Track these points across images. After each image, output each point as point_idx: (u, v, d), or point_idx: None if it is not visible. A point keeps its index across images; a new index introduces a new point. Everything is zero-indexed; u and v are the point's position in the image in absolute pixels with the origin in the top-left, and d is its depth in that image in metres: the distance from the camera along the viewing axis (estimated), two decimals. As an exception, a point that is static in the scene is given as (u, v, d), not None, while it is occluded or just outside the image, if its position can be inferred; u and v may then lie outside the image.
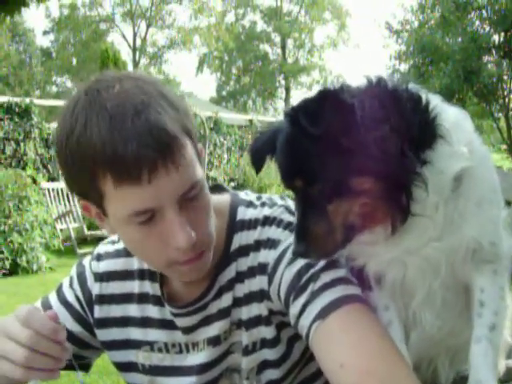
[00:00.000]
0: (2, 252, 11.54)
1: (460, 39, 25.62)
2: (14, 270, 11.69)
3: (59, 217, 13.99)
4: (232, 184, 20.58)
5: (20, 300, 8.94)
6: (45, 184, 14.56)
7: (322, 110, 1.47)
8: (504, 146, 31.02)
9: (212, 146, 21.23)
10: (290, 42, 58.43)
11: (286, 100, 58.44)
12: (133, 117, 1.48)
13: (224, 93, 62.13)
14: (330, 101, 1.49)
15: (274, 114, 57.95)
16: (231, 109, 53.62)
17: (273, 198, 1.89)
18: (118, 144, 1.48)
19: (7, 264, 11.56)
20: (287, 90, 58.69)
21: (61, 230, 14.09)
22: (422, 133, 1.52)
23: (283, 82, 58.68)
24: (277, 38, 58.08)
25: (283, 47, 57.74)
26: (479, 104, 27.94)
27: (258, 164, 1.71)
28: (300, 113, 1.53)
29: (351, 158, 1.46)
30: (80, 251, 12.80)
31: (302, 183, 1.56)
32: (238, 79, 60.39)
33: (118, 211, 1.58)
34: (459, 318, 1.73)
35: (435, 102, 1.60)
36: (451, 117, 1.60)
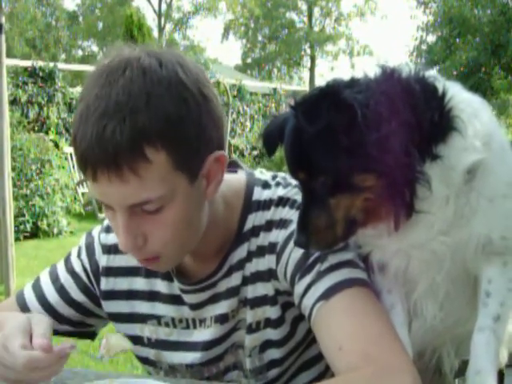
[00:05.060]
0: (23, 215, 11.70)
1: (489, 11, 25.31)
2: (34, 233, 11.87)
3: (81, 181, 14.11)
4: (254, 152, 20.59)
5: (40, 263, 9.07)
6: (67, 148, 14.66)
7: (319, 108, 1.47)
8: (530, 122, 30.73)
9: (235, 113, 21.19)
10: (316, 11, 57.82)
11: (312, 69, 58.00)
12: (96, 118, 1.48)
13: (249, 60, 61.79)
14: (329, 99, 1.48)
15: (298, 83, 57.67)
16: (256, 76, 53.39)
17: (287, 178, 1.88)
18: (77, 137, 1.52)
19: (28, 227, 11.73)
20: (313, 58, 58.13)
21: (82, 194, 14.23)
22: (434, 127, 1.50)
23: (309, 51, 58.13)
24: (303, 6, 57.52)
25: (310, 15, 57.13)
26: (506, 78, 27.63)
27: (269, 148, 1.72)
28: (298, 109, 1.54)
29: (351, 156, 1.46)
30: (101, 215, 12.90)
31: (305, 175, 1.57)
32: (263, 47, 59.99)
33: None
34: (466, 308, 1.73)
35: (453, 91, 1.57)
36: (468, 107, 1.57)
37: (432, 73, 1.60)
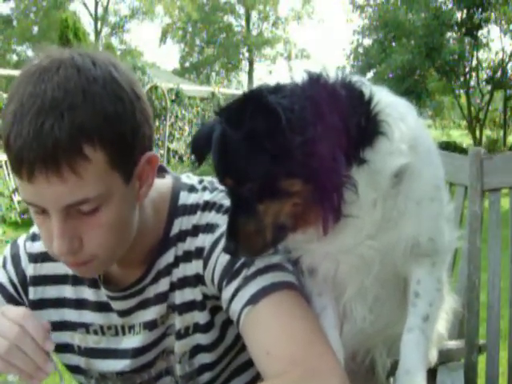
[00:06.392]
0: (-44, 224, 11.40)
1: (423, 15, 25.72)
2: (-31, 243, 11.56)
3: (16, 189, 13.83)
4: (193, 157, 20.51)
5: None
6: (1, 156, 14.34)
7: (243, 113, 1.47)
8: (464, 123, 31.34)
9: (173, 117, 21.08)
10: (254, 14, 58.05)
11: (250, 72, 58.18)
12: (33, 115, 1.45)
13: (187, 64, 61.56)
14: (252, 104, 1.47)
15: (237, 86, 57.75)
16: (194, 80, 53.22)
17: (214, 182, 1.87)
18: (11, 136, 1.48)
19: (-38, 236, 11.43)
20: (251, 62, 58.37)
21: (18, 202, 13.93)
22: (361, 131, 1.51)
23: (247, 55, 58.31)
24: (241, 10, 57.67)
25: (247, 19, 57.33)
26: (441, 80, 28.13)
27: (197, 156, 1.70)
28: (222, 115, 1.54)
29: (277, 161, 1.46)
30: (38, 224, 12.65)
31: (232, 182, 1.56)
32: (201, 51, 59.87)
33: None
34: (397, 311, 1.75)
35: (379, 95, 1.58)
36: (395, 112, 1.58)
37: (358, 77, 1.61)
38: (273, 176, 1.48)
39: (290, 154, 1.44)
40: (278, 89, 1.51)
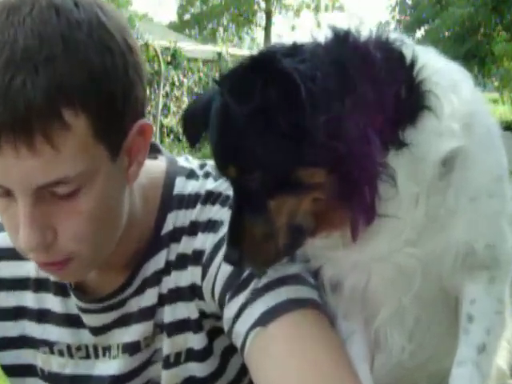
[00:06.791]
0: None
1: (490, -43, 25.61)
2: None
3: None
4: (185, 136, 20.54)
5: None
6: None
7: (251, 82, 1.44)
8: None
9: (169, 85, 21.11)
10: (273, -47, 58.09)
11: (267, 28, 58.13)
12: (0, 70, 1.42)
13: (187, 16, 61.61)
14: (263, 71, 1.44)
15: (250, 46, 57.75)
16: (196, 37, 53.27)
17: None
18: None
19: None
20: (268, 14, 58.30)
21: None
22: (401, 105, 1.49)
23: (263, 5, 58.28)
24: None
25: (264, -41, 57.39)
26: (510, 42, 28.04)
27: (190, 135, 1.70)
28: (224, 84, 1.52)
29: (294, 144, 1.44)
30: None
31: (236, 170, 1.54)
32: (205, -1, 59.96)
33: None
34: (445, 337, 1.73)
35: (425, 58, 1.56)
36: (445, 80, 1.57)
37: (398, 35, 1.60)
38: (287, 163, 1.46)
39: (310, 136, 1.41)
40: (296, 50, 1.49)
